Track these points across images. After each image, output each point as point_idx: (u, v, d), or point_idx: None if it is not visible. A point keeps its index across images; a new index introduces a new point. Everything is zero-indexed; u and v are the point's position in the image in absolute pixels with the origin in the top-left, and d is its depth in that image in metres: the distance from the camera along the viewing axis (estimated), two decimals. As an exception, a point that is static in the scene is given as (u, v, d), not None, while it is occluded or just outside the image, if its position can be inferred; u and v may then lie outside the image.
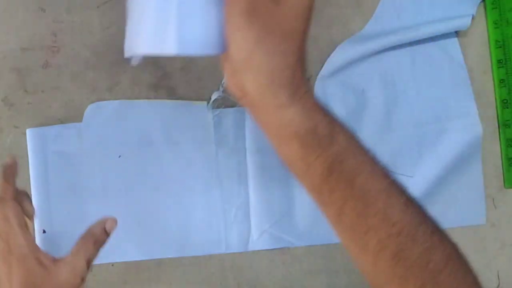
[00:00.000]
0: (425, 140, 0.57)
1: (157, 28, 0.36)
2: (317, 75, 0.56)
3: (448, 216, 0.57)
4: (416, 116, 0.57)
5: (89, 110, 0.53)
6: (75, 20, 0.54)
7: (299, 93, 0.37)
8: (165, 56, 0.36)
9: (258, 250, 0.54)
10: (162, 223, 0.54)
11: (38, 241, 0.51)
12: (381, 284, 0.39)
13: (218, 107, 0.54)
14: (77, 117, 0.53)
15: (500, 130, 0.58)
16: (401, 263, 0.38)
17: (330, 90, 0.56)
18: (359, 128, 0.56)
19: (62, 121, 0.53)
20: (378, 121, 0.56)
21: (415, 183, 0.56)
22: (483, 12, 0.59)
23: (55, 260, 0.44)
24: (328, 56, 0.56)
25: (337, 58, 0.56)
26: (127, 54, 0.37)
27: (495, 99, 0.58)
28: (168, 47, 0.36)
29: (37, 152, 0.52)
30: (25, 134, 0.52)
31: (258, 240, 0.54)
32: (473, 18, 0.57)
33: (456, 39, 0.58)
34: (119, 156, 0.53)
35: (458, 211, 0.57)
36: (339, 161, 0.38)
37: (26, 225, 0.44)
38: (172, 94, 0.54)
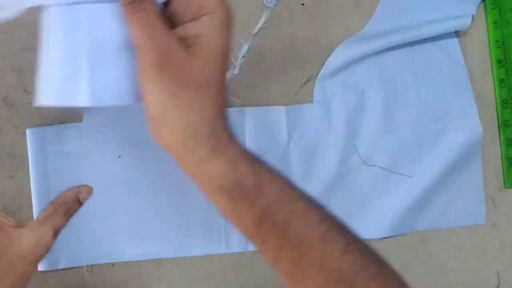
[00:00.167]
0: (425, 140, 0.57)
1: (67, 78, 0.34)
2: (317, 75, 0.56)
3: (448, 216, 0.57)
4: (416, 116, 0.57)
5: (89, 110, 0.53)
6: (75, 20, 0.54)
7: (221, 146, 0.36)
8: (77, 107, 0.34)
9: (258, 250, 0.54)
10: (162, 223, 0.54)
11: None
12: None
13: (218, 107, 0.54)
14: (77, 117, 0.53)
15: (500, 130, 0.58)
16: None
17: (330, 90, 0.56)
18: (359, 128, 0.56)
19: (62, 121, 0.53)
20: (378, 121, 0.56)
21: (415, 183, 0.56)
22: (483, 12, 0.59)
23: (18, 226, 0.41)
24: (328, 56, 0.56)
25: (337, 58, 0.56)
26: (36, 103, 0.35)
27: (495, 99, 0.58)
28: (80, 99, 0.34)
29: (37, 152, 0.52)
30: (25, 134, 0.52)
31: (258, 240, 0.54)
32: (473, 18, 0.57)
33: (456, 39, 0.58)
34: (119, 156, 0.53)
35: (458, 211, 0.57)
36: (269, 213, 0.37)
37: None
38: (172, 94, 0.54)
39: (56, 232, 0.42)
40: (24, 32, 0.54)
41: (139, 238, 0.54)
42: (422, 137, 0.57)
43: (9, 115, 0.53)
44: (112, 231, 0.53)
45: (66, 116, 0.54)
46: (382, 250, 0.55)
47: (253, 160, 0.37)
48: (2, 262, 0.40)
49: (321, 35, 0.56)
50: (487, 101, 0.58)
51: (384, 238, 0.56)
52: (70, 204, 0.43)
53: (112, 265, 0.53)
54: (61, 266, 0.51)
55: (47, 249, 0.41)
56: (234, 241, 0.54)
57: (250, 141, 0.55)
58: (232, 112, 0.55)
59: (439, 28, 0.56)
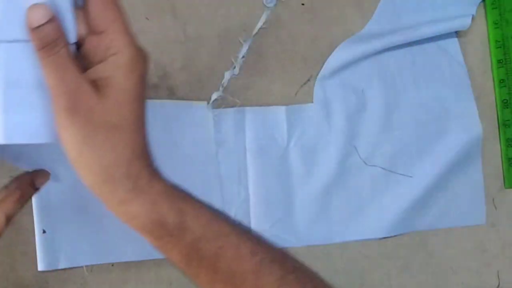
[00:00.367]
0: (425, 140, 0.57)
1: None
2: (317, 75, 0.56)
3: (448, 216, 0.57)
4: (416, 116, 0.57)
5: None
6: (75, 20, 0.54)
7: (140, 185, 0.35)
8: None
9: (258, 250, 0.54)
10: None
11: (38, 241, 0.51)
12: None
13: (218, 107, 0.55)
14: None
15: (500, 130, 0.58)
16: None
17: (330, 90, 0.56)
18: (359, 128, 0.56)
19: (62, 121, 0.53)
20: (378, 121, 0.56)
21: (415, 183, 0.56)
22: (483, 12, 0.59)
23: None
24: (328, 56, 0.56)
25: (337, 58, 0.56)
26: None
27: (495, 99, 0.58)
28: None
29: (37, 152, 0.52)
30: (25, 134, 0.52)
31: (258, 240, 0.54)
32: (473, 18, 0.57)
33: (456, 39, 0.58)
34: (119, 156, 0.53)
35: (458, 211, 0.57)
36: (196, 249, 0.37)
37: None
38: (172, 94, 0.55)
39: (8, 218, 0.41)
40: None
41: (139, 238, 0.53)
42: (422, 137, 0.57)
43: (9, 115, 0.53)
44: (112, 231, 0.52)
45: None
46: (382, 250, 0.56)
47: (176, 198, 0.37)
48: None
49: (321, 35, 0.56)
50: (487, 101, 0.58)
51: (384, 238, 0.56)
52: (25, 190, 0.43)
53: (112, 265, 0.53)
54: (61, 266, 0.51)
55: None
56: (234, 241, 0.54)
57: (250, 141, 0.55)
58: (232, 112, 0.55)
59: (439, 28, 0.56)
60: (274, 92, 0.56)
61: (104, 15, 0.35)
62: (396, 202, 0.56)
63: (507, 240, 0.57)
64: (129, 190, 0.35)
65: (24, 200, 0.42)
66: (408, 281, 0.56)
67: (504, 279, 0.57)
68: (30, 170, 0.45)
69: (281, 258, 0.39)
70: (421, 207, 0.56)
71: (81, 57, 0.35)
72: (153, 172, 0.37)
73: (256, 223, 0.54)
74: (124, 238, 0.53)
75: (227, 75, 0.55)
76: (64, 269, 0.51)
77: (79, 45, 0.36)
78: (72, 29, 0.34)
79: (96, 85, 0.34)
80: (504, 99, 0.58)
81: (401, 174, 0.56)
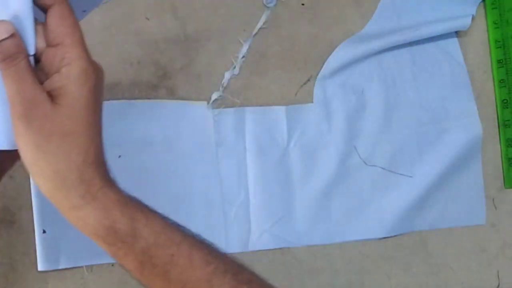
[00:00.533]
0: (425, 140, 0.57)
1: None
2: (317, 75, 0.56)
3: (448, 216, 0.57)
4: (416, 116, 0.57)
5: None
6: (75, 20, 0.54)
7: (92, 191, 0.37)
8: None
9: (258, 250, 0.54)
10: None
11: (38, 241, 0.51)
12: None
13: (218, 107, 0.55)
14: (77, 117, 0.53)
15: (500, 130, 0.58)
16: None
17: (330, 91, 0.56)
18: (359, 128, 0.56)
19: (62, 121, 0.53)
20: (378, 121, 0.56)
21: (415, 183, 0.56)
22: (483, 12, 0.59)
23: None
24: (328, 56, 0.56)
25: (337, 58, 0.56)
26: None
27: (495, 99, 0.58)
28: None
29: (37, 152, 0.52)
30: (25, 134, 0.52)
31: (258, 240, 0.54)
32: (473, 18, 0.57)
33: (456, 39, 0.58)
34: (119, 156, 0.53)
35: (458, 211, 0.57)
36: (149, 256, 0.38)
37: None
38: (172, 94, 0.55)
39: None
40: None
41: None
42: (422, 137, 0.57)
43: (9, 115, 0.53)
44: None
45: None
46: (382, 250, 0.56)
47: (129, 205, 0.38)
48: None
49: (321, 35, 0.56)
50: (487, 101, 0.58)
51: (384, 238, 0.56)
52: None
53: (112, 265, 0.53)
54: (61, 266, 0.51)
55: None
56: (234, 241, 0.54)
57: (250, 141, 0.55)
58: (232, 112, 0.55)
59: (439, 28, 0.56)
60: (274, 92, 0.56)
61: (61, 28, 0.37)
62: (396, 202, 0.56)
63: (507, 240, 0.57)
64: (81, 196, 0.37)
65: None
66: (408, 281, 0.56)
67: (504, 279, 0.57)
68: None
69: (235, 269, 0.40)
70: (421, 207, 0.56)
71: (39, 68, 0.38)
72: (107, 180, 0.38)
73: (256, 223, 0.54)
74: (124, 238, 0.53)
75: (227, 75, 0.55)
76: (64, 269, 0.51)
77: (38, 58, 0.38)
78: (32, 42, 0.37)
79: (52, 95, 0.36)
80: (504, 99, 0.58)
81: (401, 174, 0.56)
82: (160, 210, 0.55)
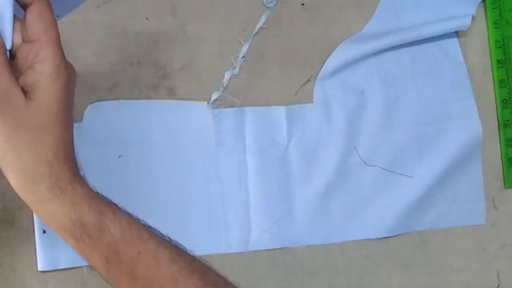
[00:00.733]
0: (425, 140, 0.57)
1: None
2: (317, 75, 0.56)
3: (448, 216, 0.57)
4: (416, 116, 0.57)
5: (89, 110, 0.53)
6: (75, 20, 0.54)
7: (61, 186, 0.38)
8: None
9: (258, 250, 0.54)
10: (161, 223, 0.53)
11: (38, 241, 0.51)
12: None
13: (218, 107, 0.55)
14: (77, 117, 0.53)
15: (500, 130, 0.58)
16: None
17: (330, 91, 0.56)
18: (359, 128, 0.56)
19: (62, 121, 0.53)
20: (378, 121, 0.56)
21: (415, 183, 0.56)
22: (483, 12, 0.59)
23: None
24: (328, 56, 0.56)
25: (337, 58, 0.56)
26: None
27: (495, 99, 0.58)
28: None
29: (37, 152, 0.52)
30: (25, 134, 0.52)
31: (258, 240, 0.54)
32: (473, 18, 0.57)
33: (456, 39, 0.58)
34: (119, 156, 0.53)
35: (458, 211, 0.57)
36: (115, 252, 0.38)
37: None
38: (172, 94, 0.55)
39: None
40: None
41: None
42: (422, 137, 0.57)
43: (9, 115, 0.53)
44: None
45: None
46: (382, 250, 0.56)
47: (97, 201, 0.39)
48: None
49: (321, 35, 0.56)
50: (487, 101, 0.58)
51: (384, 238, 0.56)
52: None
53: (112, 265, 0.53)
54: (61, 266, 0.51)
55: None
56: (234, 241, 0.54)
57: (250, 141, 0.55)
58: (232, 112, 0.55)
59: (439, 28, 0.56)
60: (274, 92, 0.56)
61: (38, 25, 0.38)
62: (396, 202, 0.56)
63: (507, 240, 0.57)
64: (49, 190, 0.37)
65: None
66: (408, 281, 0.56)
67: (504, 279, 0.57)
68: None
69: (201, 270, 0.40)
70: (421, 207, 0.56)
71: (14, 64, 0.39)
72: (76, 176, 0.39)
73: (256, 223, 0.54)
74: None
75: (227, 75, 0.55)
76: (64, 269, 0.51)
77: (13, 53, 0.39)
78: (9, 38, 0.38)
79: (25, 90, 0.37)
80: (504, 99, 0.58)
81: (401, 174, 0.56)
82: (159, 210, 0.55)
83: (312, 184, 0.55)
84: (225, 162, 0.54)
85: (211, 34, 0.55)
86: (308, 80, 0.56)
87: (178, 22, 0.55)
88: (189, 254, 0.41)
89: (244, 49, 0.55)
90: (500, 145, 0.58)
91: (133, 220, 0.40)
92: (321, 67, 0.56)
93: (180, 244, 0.42)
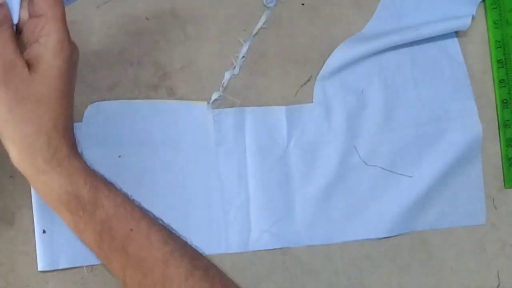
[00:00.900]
0: (425, 140, 0.57)
1: None
2: (317, 75, 0.56)
3: (448, 216, 0.57)
4: (416, 116, 0.57)
5: (89, 110, 0.53)
6: (75, 20, 0.54)
7: (59, 158, 0.39)
8: None
9: (258, 250, 0.54)
10: (162, 223, 0.54)
11: (38, 241, 0.51)
12: None
13: (218, 107, 0.55)
14: (77, 117, 0.53)
15: (500, 130, 0.58)
16: None
17: (330, 91, 0.56)
18: (359, 128, 0.56)
19: (62, 121, 0.53)
20: (378, 121, 0.56)
21: (415, 183, 0.56)
22: (483, 12, 0.59)
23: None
24: (328, 56, 0.56)
25: (337, 58, 0.56)
26: None
27: (495, 99, 0.58)
28: None
29: (37, 152, 0.52)
30: (25, 134, 0.52)
31: (258, 240, 0.54)
32: (473, 18, 0.57)
33: (456, 39, 0.58)
34: (119, 156, 0.53)
35: (458, 211, 0.57)
36: (108, 228, 0.39)
37: None
38: (172, 94, 0.55)
39: None
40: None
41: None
42: (422, 137, 0.57)
43: (9, 115, 0.53)
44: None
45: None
46: (382, 250, 0.56)
47: (93, 176, 0.40)
48: None
49: (321, 35, 0.56)
50: (487, 101, 0.58)
51: (384, 238, 0.56)
52: None
53: (112, 265, 0.53)
54: (61, 266, 0.51)
55: None
56: (234, 241, 0.54)
57: (250, 141, 0.55)
58: (232, 112, 0.55)
59: (439, 28, 0.56)
60: (274, 92, 0.56)
61: (44, 2, 0.39)
62: (396, 202, 0.56)
63: (507, 240, 0.57)
64: (47, 162, 0.38)
65: None
66: (408, 281, 0.56)
67: (504, 279, 0.57)
68: None
69: (192, 254, 0.41)
70: (421, 207, 0.56)
71: (20, 38, 0.40)
72: (73, 151, 0.40)
73: (256, 223, 0.54)
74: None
75: (227, 75, 0.55)
76: (64, 269, 0.51)
77: (20, 29, 0.40)
78: (16, 12, 0.40)
79: (29, 64, 0.39)
80: (504, 99, 0.58)
81: (401, 174, 0.56)
82: (159, 210, 0.55)
83: (312, 184, 0.55)
84: (225, 162, 0.54)
85: (211, 34, 0.55)
86: (308, 80, 0.56)
87: (178, 22, 0.55)
88: (182, 239, 0.42)
89: (244, 49, 0.55)
90: (500, 145, 0.58)
91: (127, 199, 0.41)
92: (321, 67, 0.56)
93: (173, 228, 0.42)
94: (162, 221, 0.43)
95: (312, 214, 0.55)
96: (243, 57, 0.55)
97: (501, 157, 0.58)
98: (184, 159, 0.54)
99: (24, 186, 0.52)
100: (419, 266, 0.56)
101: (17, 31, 0.40)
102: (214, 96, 0.54)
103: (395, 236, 0.56)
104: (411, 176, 0.56)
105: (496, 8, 0.58)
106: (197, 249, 0.42)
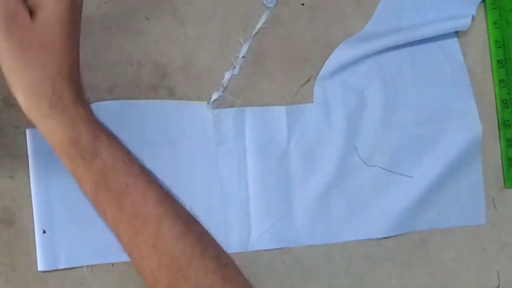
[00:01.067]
0: (425, 140, 0.57)
1: None
2: (317, 75, 0.56)
3: (448, 216, 0.57)
4: (416, 116, 0.57)
5: None
6: (75, 20, 0.54)
7: (62, 103, 0.39)
8: None
9: (258, 250, 0.54)
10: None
11: (38, 241, 0.51)
12: None
13: (218, 107, 0.55)
14: (77, 117, 0.53)
15: (500, 130, 0.58)
16: None
17: (330, 91, 0.56)
18: (359, 128, 0.56)
19: (62, 121, 0.53)
20: (378, 121, 0.56)
21: (415, 183, 0.56)
22: (483, 12, 0.59)
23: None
24: (328, 56, 0.56)
25: (337, 58, 0.56)
26: None
27: (495, 99, 0.58)
28: None
29: (37, 152, 0.52)
30: (25, 134, 0.52)
31: (258, 240, 0.54)
32: (473, 18, 0.57)
33: (456, 39, 0.58)
34: (119, 156, 0.53)
35: (458, 211, 0.57)
36: (104, 179, 0.39)
37: None
38: (172, 94, 0.55)
39: None
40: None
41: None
42: (422, 137, 0.57)
43: (9, 115, 0.53)
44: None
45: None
46: (382, 250, 0.56)
47: (96, 125, 0.40)
48: None
49: (321, 35, 0.56)
50: (487, 101, 0.58)
51: (384, 238, 0.56)
52: None
53: (112, 265, 0.53)
54: (61, 266, 0.51)
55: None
56: (234, 241, 0.54)
57: (250, 141, 0.55)
58: (232, 112, 0.55)
59: (439, 28, 0.56)
60: (274, 92, 0.56)
61: None
62: (396, 202, 0.56)
63: (507, 240, 0.57)
64: (51, 106, 0.39)
65: None
66: (408, 281, 0.56)
67: (504, 279, 0.57)
68: None
69: (188, 218, 0.41)
70: (421, 207, 0.56)
71: None
72: (78, 98, 0.40)
73: (256, 223, 0.54)
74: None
75: (227, 75, 0.55)
76: (64, 269, 0.51)
77: None
78: None
79: (32, 10, 0.39)
80: (504, 99, 0.58)
81: (401, 174, 0.56)
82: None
83: (312, 184, 0.55)
84: (225, 162, 0.54)
85: (211, 34, 0.55)
86: (308, 80, 0.56)
87: (178, 22, 0.55)
88: (179, 202, 0.42)
89: (244, 49, 0.55)
90: (500, 145, 0.58)
91: (129, 155, 0.41)
92: (321, 67, 0.56)
93: (171, 190, 0.42)
94: (162, 182, 0.42)
95: (312, 214, 0.55)
96: (243, 57, 0.55)
97: (501, 157, 0.58)
98: (184, 159, 0.54)
99: (24, 186, 0.52)
100: (419, 266, 0.56)
101: None
102: (214, 96, 0.54)
103: (395, 236, 0.56)
104: (411, 176, 0.56)
105: (496, 8, 0.58)
106: (195, 216, 0.42)
